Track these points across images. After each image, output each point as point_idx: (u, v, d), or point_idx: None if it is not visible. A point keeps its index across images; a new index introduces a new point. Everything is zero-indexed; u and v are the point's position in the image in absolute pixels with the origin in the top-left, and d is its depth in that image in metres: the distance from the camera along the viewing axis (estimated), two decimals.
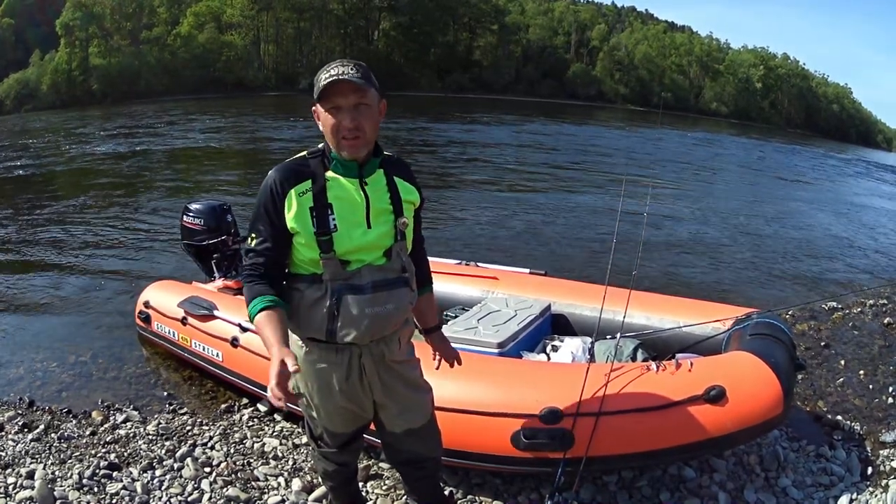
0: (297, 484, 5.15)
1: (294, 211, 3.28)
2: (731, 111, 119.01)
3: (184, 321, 6.95)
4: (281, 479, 5.28)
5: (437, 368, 4.10)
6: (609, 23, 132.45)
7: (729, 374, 4.49)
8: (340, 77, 3.15)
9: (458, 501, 4.97)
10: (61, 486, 5.09)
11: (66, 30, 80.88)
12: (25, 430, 6.16)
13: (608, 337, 5.71)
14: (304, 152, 3.48)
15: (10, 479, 5.19)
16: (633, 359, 5.60)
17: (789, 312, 9.69)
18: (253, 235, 3.40)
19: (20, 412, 6.60)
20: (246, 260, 3.44)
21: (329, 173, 3.36)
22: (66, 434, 6.05)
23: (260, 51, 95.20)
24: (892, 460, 5.71)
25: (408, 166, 3.68)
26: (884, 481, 5.40)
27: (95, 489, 5.07)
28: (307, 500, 4.98)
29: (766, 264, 13.74)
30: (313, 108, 3.34)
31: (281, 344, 3.21)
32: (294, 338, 3.55)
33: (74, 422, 6.39)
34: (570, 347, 5.87)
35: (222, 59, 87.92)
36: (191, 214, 7.68)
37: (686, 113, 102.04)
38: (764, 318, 5.49)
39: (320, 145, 3.48)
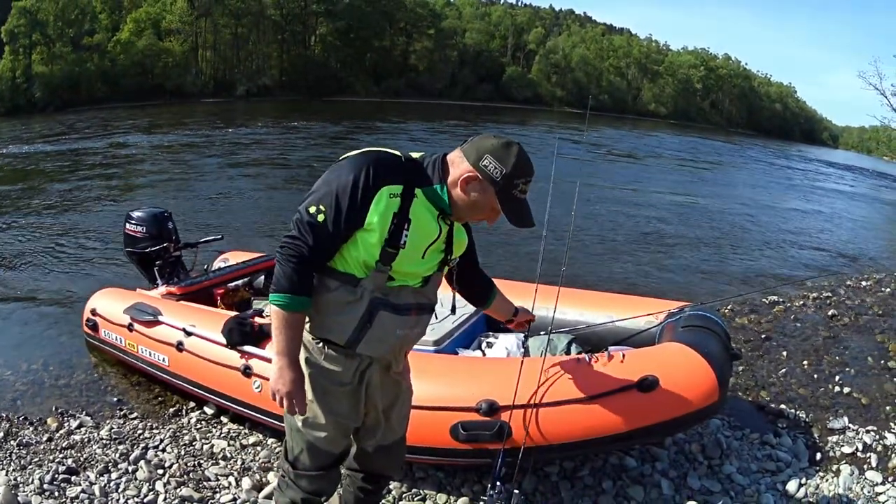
0: (247, 482, 5.32)
1: (381, 209, 3.04)
2: (671, 112, 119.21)
3: (130, 327, 7.03)
4: (231, 479, 5.43)
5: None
6: (546, 26, 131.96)
7: (661, 363, 4.66)
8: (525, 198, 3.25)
9: (403, 495, 5.16)
10: (24, 491, 5.22)
11: (10, 37, 79.68)
12: None
13: (541, 333, 5.83)
14: (399, 153, 3.23)
15: None
16: (567, 353, 5.74)
17: (728, 307, 9.93)
18: (321, 208, 3.04)
19: None
20: (299, 229, 3.07)
21: (419, 189, 3.17)
22: (24, 441, 6.17)
23: (198, 57, 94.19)
24: (842, 446, 5.99)
25: None
26: (835, 466, 5.68)
27: (56, 493, 5.20)
28: (258, 497, 5.13)
29: (702, 260, 14.01)
30: (479, 180, 3.12)
31: (296, 361, 3.23)
32: (304, 332, 3.35)
33: (31, 428, 6.51)
34: (504, 344, 6.03)
35: (160, 65, 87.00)
36: (133, 222, 7.72)
37: (624, 115, 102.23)
38: (696, 310, 5.66)
39: (416, 156, 3.29)
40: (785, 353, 8.36)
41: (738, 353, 5.43)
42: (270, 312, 3.23)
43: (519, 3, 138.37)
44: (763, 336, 8.99)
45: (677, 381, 4.52)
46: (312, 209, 3.05)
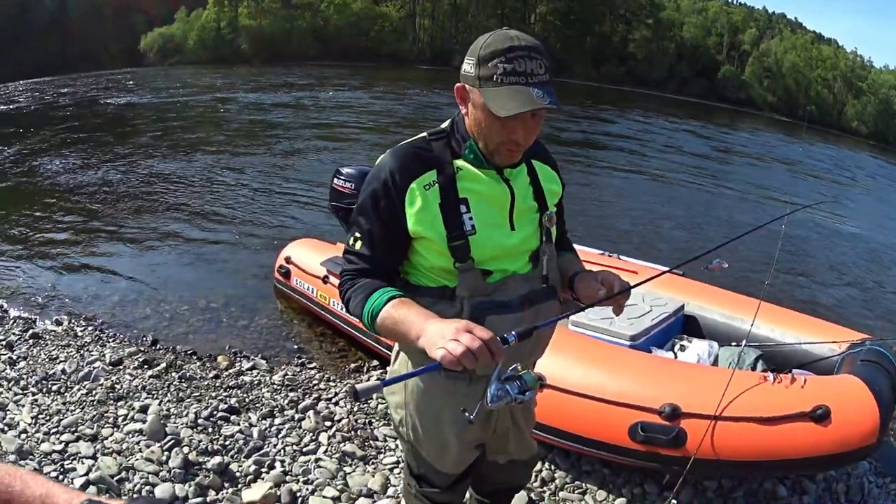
0: None
1: (418, 208, 2.58)
2: (871, 132, 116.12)
3: (325, 279, 7.15)
4: (399, 442, 5.27)
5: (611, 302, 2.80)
6: (760, 28, 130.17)
7: (835, 395, 4.47)
8: (536, 84, 2.41)
9: (566, 485, 5.03)
10: (175, 423, 5.27)
11: None
12: (145, 366, 6.38)
13: (733, 344, 5.80)
14: (424, 133, 2.75)
15: (122, 412, 5.40)
16: (753, 368, 5.60)
17: None
18: (356, 235, 2.70)
19: (142, 349, 6.86)
20: (345, 265, 2.77)
21: (459, 161, 2.66)
22: (187, 374, 6.26)
23: (415, 24, 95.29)
24: None
25: (544, 146, 3.01)
26: None
27: (210, 430, 5.24)
28: None
29: (890, 293, 13.42)
30: (464, 87, 2.56)
31: (431, 318, 2.35)
32: (408, 362, 2.97)
33: (198, 364, 6.62)
34: (696, 349, 5.89)
35: (376, 29, 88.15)
36: (342, 177, 7.72)
37: (828, 129, 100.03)
38: (876, 345, 5.44)
39: (444, 125, 2.77)
40: None
41: None
42: (378, 330, 2.59)
43: (734, 2, 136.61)
44: None
45: (846, 417, 4.33)
46: (351, 241, 2.72)
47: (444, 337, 2.20)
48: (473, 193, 2.65)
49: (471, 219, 2.62)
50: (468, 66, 2.50)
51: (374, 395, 5.99)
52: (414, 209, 2.58)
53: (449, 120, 2.78)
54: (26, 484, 1.19)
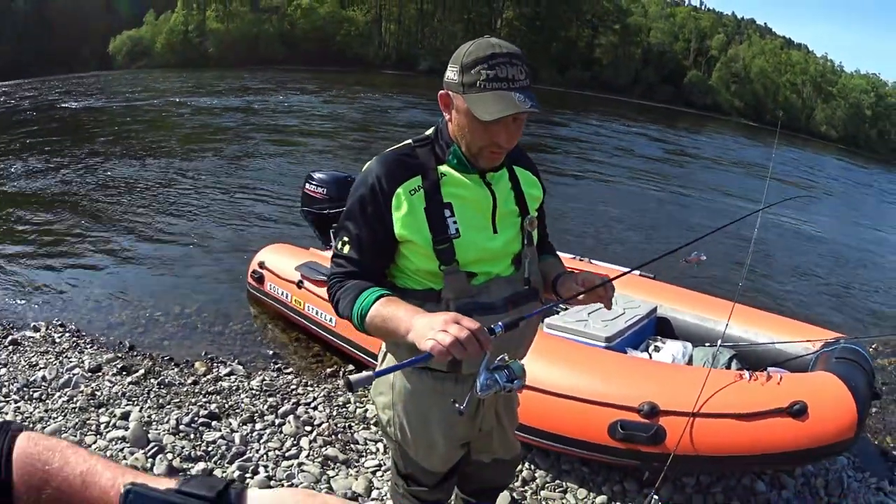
0: None
1: (404, 213, 2.69)
2: (840, 136, 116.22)
3: (299, 284, 7.15)
4: (380, 445, 5.38)
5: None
6: (728, 33, 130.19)
7: (812, 391, 4.53)
8: (517, 89, 2.54)
9: (546, 484, 5.09)
10: (157, 429, 5.28)
11: None
12: (124, 372, 6.37)
13: (707, 344, 5.89)
14: (409, 140, 2.87)
15: (104, 419, 5.39)
16: (728, 368, 5.64)
17: (873, 345, 9.62)
18: (345, 240, 2.79)
19: (120, 355, 6.83)
20: (332, 267, 2.85)
21: (443, 167, 2.77)
22: (166, 380, 6.25)
23: (381, 29, 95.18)
24: None
25: (524, 151, 3.10)
26: None
27: (192, 436, 5.25)
28: None
29: (859, 294, 13.53)
30: (448, 94, 2.68)
31: (418, 314, 2.44)
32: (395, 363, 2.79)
33: (176, 370, 6.62)
34: (671, 350, 5.95)
35: (342, 33, 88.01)
36: (314, 182, 7.76)
37: (796, 133, 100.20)
38: (850, 344, 5.52)
39: (428, 132, 2.90)
40: None
41: (879, 392, 5.33)
42: (367, 328, 2.65)
43: (703, 7, 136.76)
44: None
45: (823, 412, 4.41)
46: (339, 245, 2.81)
47: (433, 328, 2.28)
48: (457, 198, 2.76)
49: (455, 223, 2.72)
50: (451, 74, 2.62)
51: (353, 399, 6.11)
52: (400, 213, 2.69)
53: (433, 127, 2.89)
54: (66, 460, 1.13)
